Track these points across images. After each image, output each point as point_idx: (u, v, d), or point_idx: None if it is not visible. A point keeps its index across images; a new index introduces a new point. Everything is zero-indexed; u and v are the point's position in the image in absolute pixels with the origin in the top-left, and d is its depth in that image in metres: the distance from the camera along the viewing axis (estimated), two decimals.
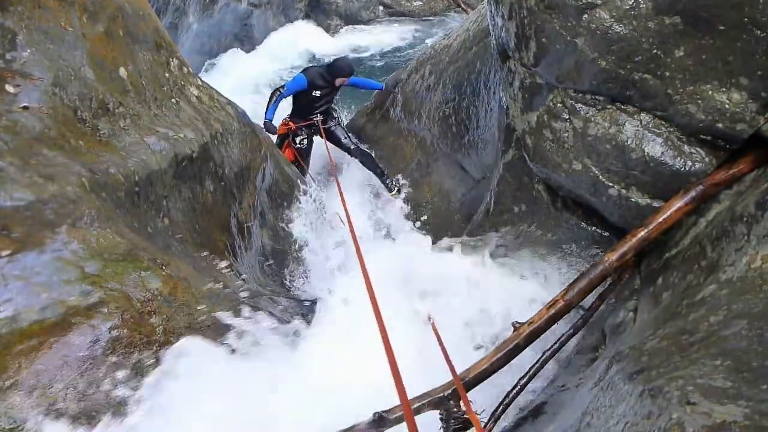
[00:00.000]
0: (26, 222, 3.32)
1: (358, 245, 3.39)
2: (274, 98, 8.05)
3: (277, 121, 8.22)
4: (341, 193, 4.40)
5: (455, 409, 3.21)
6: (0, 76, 3.82)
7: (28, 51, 3.98)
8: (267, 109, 8.09)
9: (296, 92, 8.07)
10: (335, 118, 8.60)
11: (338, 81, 8.10)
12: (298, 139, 8.23)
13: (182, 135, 4.91)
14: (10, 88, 3.82)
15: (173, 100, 5.19)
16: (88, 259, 3.43)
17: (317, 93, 8.06)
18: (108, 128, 4.30)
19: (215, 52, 15.28)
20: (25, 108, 3.82)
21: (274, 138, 8.02)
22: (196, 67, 10.50)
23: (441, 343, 2.88)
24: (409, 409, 2.13)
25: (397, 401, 3.02)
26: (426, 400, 3.19)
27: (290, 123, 8.20)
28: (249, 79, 12.52)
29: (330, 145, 8.06)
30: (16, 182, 3.40)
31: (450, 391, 3.20)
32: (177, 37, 15.66)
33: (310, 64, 8.98)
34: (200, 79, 6.02)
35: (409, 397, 3.16)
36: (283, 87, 8.07)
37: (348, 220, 3.74)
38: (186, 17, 16.54)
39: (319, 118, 8.15)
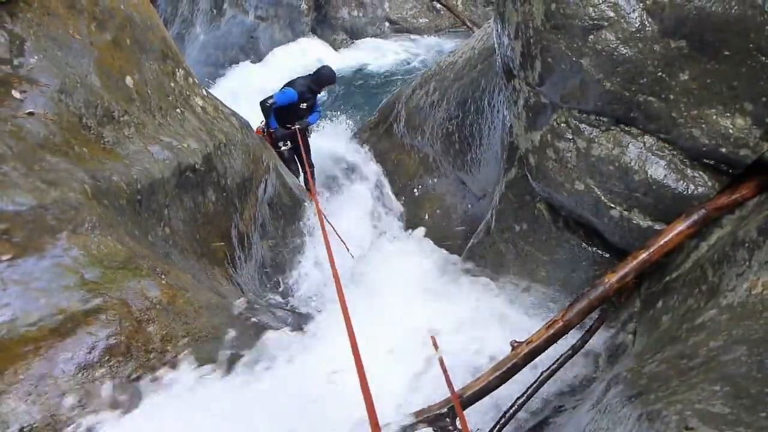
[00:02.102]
0: (27, 227, 3.32)
1: (338, 276, 3.36)
2: (270, 111, 8.15)
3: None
4: (323, 226, 4.36)
5: (451, 427, 3.19)
6: (7, 82, 3.84)
7: (36, 57, 4.00)
8: (268, 122, 8.24)
9: (288, 105, 8.19)
10: (310, 131, 8.81)
11: (324, 89, 8.36)
12: (281, 143, 8.36)
13: (186, 145, 4.93)
14: (16, 94, 3.83)
15: (178, 109, 5.21)
16: (87, 265, 3.43)
17: (303, 105, 8.25)
18: (112, 136, 4.31)
19: (221, 64, 15.34)
20: (31, 114, 3.83)
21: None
22: (202, 77, 10.55)
23: (441, 361, 2.87)
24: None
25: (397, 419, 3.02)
26: (422, 417, 3.18)
27: (270, 130, 8.31)
28: (253, 91, 12.55)
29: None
30: (18, 187, 3.41)
31: (447, 408, 3.19)
32: (183, 48, 15.75)
33: (296, 76, 8.99)
34: (205, 90, 6.05)
35: (407, 413, 3.16)
36: (271, 98, 8.14)
37: (329, 252, 3.69)
38: (193, 28, 16.63)
39: (298, 127, 8.25)
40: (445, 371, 2.76)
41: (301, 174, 8.69)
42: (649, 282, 3.80)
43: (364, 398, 2.13)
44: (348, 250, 6.76)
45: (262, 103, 8.09)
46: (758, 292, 2.67)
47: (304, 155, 8.02)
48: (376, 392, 2.32)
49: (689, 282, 3.35)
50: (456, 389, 3.21)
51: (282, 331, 4.32)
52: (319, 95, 8.51)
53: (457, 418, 3.14)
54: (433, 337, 2.94)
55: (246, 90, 12.74)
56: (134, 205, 4.14)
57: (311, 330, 4.51)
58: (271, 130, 8.22)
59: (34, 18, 4.09)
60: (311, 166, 8.37)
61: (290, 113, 8.27)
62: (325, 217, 6.82)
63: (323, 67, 8.60)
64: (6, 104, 3.75)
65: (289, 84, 8.39)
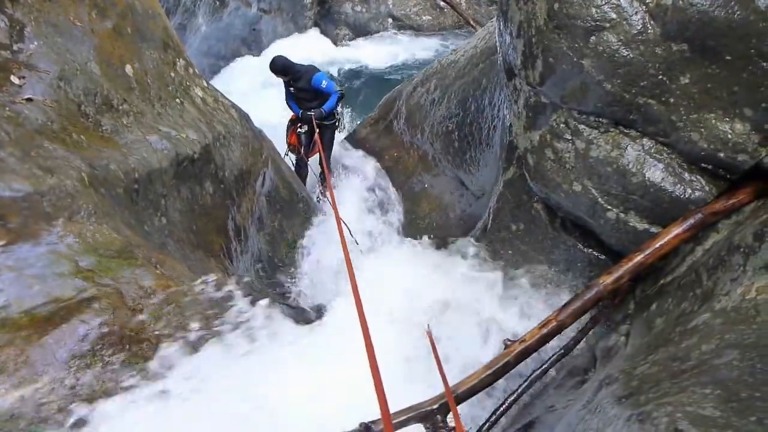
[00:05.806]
0: (23, 213, 3.31)
1: (349, 259, 3.37)
2: (287, 103, 8.83)
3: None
4: (337, 215, 4.35)
5: (441, 424, 3.19)
6: (6, 67, 3.82)
7: (36, 43, 3.99)
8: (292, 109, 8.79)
9: (286, 90, 8.70)
10: (334, 122, 8.89)
11: (280, 77, 8.58)
12: (299, 124, 8.72)
13: (185, 135, 4.92)
14: (15, 79, 3.82)
15: (177, 100, 5.20)
16: (82, 253, 3.42)
17: (291, 89, 8.61)
18: (111, 124, 4.30)
19: (222, 55, 15.31)
20: (29, 100, 3.82)
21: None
22: (203, 69, 10.52)
23: (436, 355, 2.86)
24: (389, 424, 2.10)
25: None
26: (414, 413, 3.17)
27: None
28: (254, 83, 12.55)
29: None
30: (15, 173, 3.40)
31: (438, 405, 3.18)
32: (185, 38, 15.70)
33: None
34: (206, 81, 6.04)
35: (397, 408, 3.15)
36: None
37: (341, 237, 3.69)
38: (195, 19, 16.58)
39: (313, 114, 8.44)
40: (440, 367, 2.75)
41: (312, 161, 8.77)
42: (644, 284, 3.80)
43: (377, 392, 2.12)
44: (352, 236, 6.67)
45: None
46: (752, 297, 2.67)
47: (321, 149, 7.99)
48: (368, 389, 2.32)
49: (684, 285, 3.35)
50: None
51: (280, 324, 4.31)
52: (315, 81, 8.52)
53: (449, 415, 3.13)
54: (429, 333, 2.93)
55: (247, 82, 12.73)
56: (131, 195, 4.14)
57: (311, 323, 4.51)
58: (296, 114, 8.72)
59: (34, 4, 4.08)
60: (328, 160, 8.44)
61: (293, 97, 8.68)
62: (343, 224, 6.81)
63: (273, 57, 8.72)
64: (4, 89, 3.75)
65: None
